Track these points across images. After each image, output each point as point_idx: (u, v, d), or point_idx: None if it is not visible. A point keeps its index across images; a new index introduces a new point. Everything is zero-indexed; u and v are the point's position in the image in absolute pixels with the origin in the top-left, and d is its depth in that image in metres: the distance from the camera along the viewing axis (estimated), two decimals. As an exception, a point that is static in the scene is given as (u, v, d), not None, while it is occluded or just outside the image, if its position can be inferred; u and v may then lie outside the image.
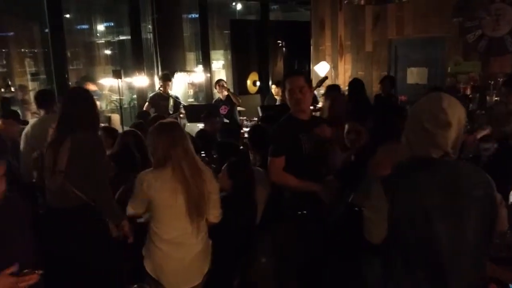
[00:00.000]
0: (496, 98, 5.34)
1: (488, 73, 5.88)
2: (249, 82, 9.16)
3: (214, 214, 2.47)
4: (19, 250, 1.77)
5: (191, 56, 8.13)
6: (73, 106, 2.60)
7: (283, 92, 2.94)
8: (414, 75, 6.97)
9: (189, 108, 6.31)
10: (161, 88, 6.25)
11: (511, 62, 5.76)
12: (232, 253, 2.76)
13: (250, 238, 2.87)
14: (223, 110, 6.46)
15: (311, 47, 8.31)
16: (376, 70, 7.38)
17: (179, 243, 2.38)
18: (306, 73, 3.04)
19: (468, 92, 5.69)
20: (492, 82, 5.69)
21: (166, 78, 6.31)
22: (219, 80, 6.80)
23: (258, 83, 9.21)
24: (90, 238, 2.53)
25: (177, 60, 7.11)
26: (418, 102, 1.73)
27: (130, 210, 2.44)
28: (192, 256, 2.41)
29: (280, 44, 9.63)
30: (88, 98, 2.70)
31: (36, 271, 1.68)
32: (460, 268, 1.67)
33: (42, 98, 3.80)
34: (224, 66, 9.15)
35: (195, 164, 2.36)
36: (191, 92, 7.35)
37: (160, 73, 6.92)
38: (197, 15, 8.16)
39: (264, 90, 8.99)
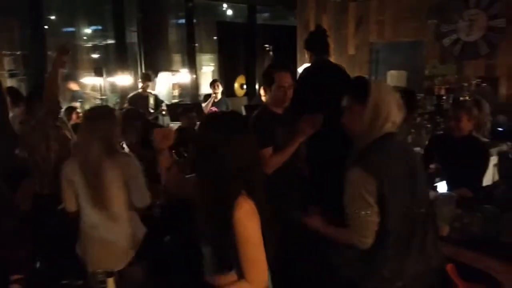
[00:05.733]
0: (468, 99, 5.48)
1: (463, 76, 6.03)
2: (236, 85, 9.29)
3: (138, 198, 2.56)
4: None
5: (177, 58, 8.26)
6: None
7: (268, 83, 2.85)
8: (394, 78, 7.10)
9: (172, 107, 6.44)
10: (141, 86, 6.38)
11: (484, 66, 5.90)
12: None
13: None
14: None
15: (297, 50, 8.45)
16: (358, 73, 7.50)
17: (96, 227, 2.53)
18: (291, 68, 3.01)
19: (443, 93, 5.83)
20: (466, 84, 5.84)
21: (146, 78, 6.43)
22: (215, 80, 6.94)
23: (245, 86, 9.34)
24: None
25: (162, 60, 7.23)
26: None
27: None
28: (112, 240, 2.54)
29: (268, 48, 9.76)
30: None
31: None
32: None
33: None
34: (214, 71, 9.28)
35: (95, 152, 2.47)
36: (176, 92, 7.49)
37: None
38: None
39: (251, 93, 9.13)
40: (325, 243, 2.14)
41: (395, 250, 1.91)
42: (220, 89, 6.74)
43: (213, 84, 6.81)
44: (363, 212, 1.88)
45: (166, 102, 6.72)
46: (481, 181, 3.28)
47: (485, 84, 5.68)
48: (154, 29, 7.17)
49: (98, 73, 5.76)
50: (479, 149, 3.26)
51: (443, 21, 6.20)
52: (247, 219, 1.57)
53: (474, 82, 5.75)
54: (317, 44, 3.66)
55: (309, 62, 3.72)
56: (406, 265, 1.92)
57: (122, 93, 7.22)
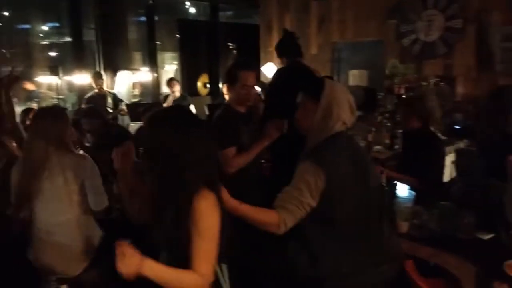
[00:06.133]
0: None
1: (422, 75, 6.16)
2: (199, 84, 9.19)
3: (94, 201, 2.48)
4: None
5: (138, 56, 8.10)
6: None
7: (231, 82, 2.82)
8: (356, 77, 7.20)
9: (132, 107, 6.30)
10: (93, 86, 6.21)
11: (442, 65, 6.05)
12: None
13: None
14: None
15: (260, 48, 8.44)
16: (321, 73, 7.56)
17: (50, 231, 2.42)
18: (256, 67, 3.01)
19: (402, 92, 5.94)
20: (425, 83, 5.97)
21: (97, 76, 6.27)
22: (172, 79, 6.85)
23: (208, 85, 9.26)
24: None
25: (121, 59, 7.07)
26: None
27: None
28: (67, 244, 2.43)
29: (231, 47, 9.72)
30: None
31: None
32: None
33: None
34: (177, 70, 9.15)
35: (40, 153, 2.38)
36: (136, 91, 7.33)
37: (102, 71, 6.88)
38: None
39: (214, 92, 9.06)
40: (284, 240, 2.14)
41: (350, 245, 1.94)
42: (177, 87, 6.66)
43: (169, 83, 6.74)
44: (300, 199, 1.89)
45: (126, 101, 6.57)
46: (436, 174, 3.34)
47: (443, 83, 5.82)
48: (113, 26, 7.00)
49: (54, 71, 5.57)
50: (428, 142, 3.33)
51: (402, 21, 6.32)
52: (210, 211, 1.55)
53: (432, 81, 5.88)
54: (289, 49, 3.70)
55: (283, 65, 3.73)
56: (363, 260, 1.94)
57: (80, 92, 7.01)
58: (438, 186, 3.27)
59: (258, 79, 2.88)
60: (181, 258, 1.57)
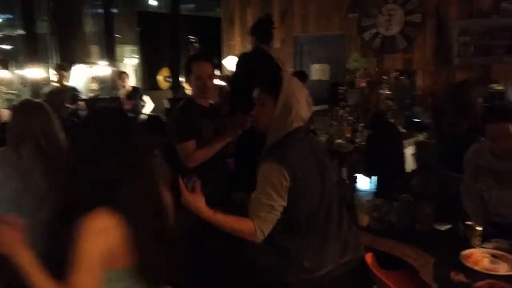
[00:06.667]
0: (387, 92, 5.66)
1: (382, 69, 6.23)
2: (160, 78, 9.00)
3: None
4: None
5: (95, 49, 7.84)
6: None
7: (187, 74, 2.80)
8: (318, 71, 7.22)
9: (91, 102, 6.08)
10: (54, 80, 5.98)
11: (401, 59, 6.13)
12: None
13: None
14: (128, 104, 6.35)
15: (222, 41, 8.35)
16: (285, 63, 7.55)
17: None
18: (212, 58, 2.95)
19: (364, 85, 5.98)
20: (386, 77, 6.03)
21: (60, 68, 6.04)
22: (122, 72, 6.68)
23: (170, 79, 9.08)
24: None
25: (77, 52, 6.82)
26: None
27: None
28: None
29: (193, 40, 9.56)
30: None
31: None
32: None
33: None
34: (139, 63, 8.94)
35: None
36: (94, 86, 7.09)
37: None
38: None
39: (176, 86, 8.89)
40: (243, 241, 2.09)
41: (311, 239, 1.92)
42: (127, 81, 6.51)
43: (120, 76, 6.58)
44: (271, 204, 1.84)
45: (84, 96, 6.34)
46: (392, 163, 3.41)
47: (403, 77, 5.89)
48: (68, 18, 6.74)
49: (4, 65, 5.30)
50: (382, 129, 3.38)
51: (363, 15, 6.36)
52: (91, 235, 1.33)
53: (393, 75, 5.95)
54: (262, 32, 3.74)
55: (252, 45, 3.79)
56: (325, 254, 1.93)
57: (33, 86, 6.71)
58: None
59: (214, 70, 2.81)
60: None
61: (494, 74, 5.23)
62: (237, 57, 4.11)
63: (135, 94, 6.53)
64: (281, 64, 3.75)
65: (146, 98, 6.63)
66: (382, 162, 3.93)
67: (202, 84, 2.70)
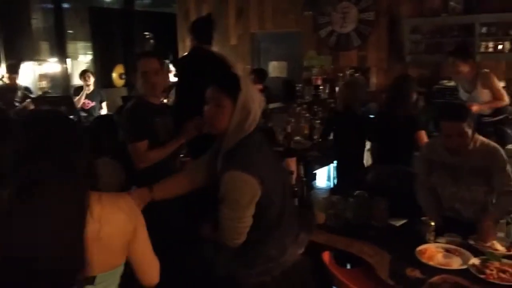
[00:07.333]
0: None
1: (338, 66, 6.30)
2: (115, 75, 8.77)
3: None
4: None
5: (45, 46, 7.53)
6: None
7: (135, 73, 2.73)
8: (276, 69, 7.22)
9: (39, 101, 5.83)
10: (3, 79, 5.70)
11: (356, 57, 6.22)
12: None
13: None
14: (86, 105, 6.17)
15: (178, 38, 8.21)
16: (241, 63, 7.51)
17: None
18: (160, 54, 2.86)
19: (320, 83, 6.04)
20: (341, 74, 6.11)
21: (12, 70, 5.78)
22: (85, 71, 6.45)
23: (124, 76, 8.87)
24: None
25: (24, 49, 6.52)
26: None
27: None
28: None
29: (148, 36, 9.35)
30: None
31: None
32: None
33: None
34: (93, 60, 8.67)
35: None
36: (43, 84, 6.80)
37: (3, 62, 6.30)
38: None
39: (131, 83, 8.67)
40: (199, 242, 2.05)
41: (276, 232, 1.92)
42: (92, 80, 6.29)
43: (83, 75, 6.33)
44: (244, 225, 1.83)
45: (32, 95, 6.08)
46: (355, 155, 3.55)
47: (358, 74, 5.98)
48: (14, 13, 6.42)
49: None
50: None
51: (319, 13, 6.40)
52: None
53: (348, 72, 6.03)
54: (201, 32, 3.65)
55: (191, 46, 3.75)
56: (287, 239, 1.95)
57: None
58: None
59: (161, 63, 2.74)
60: None
61: (444, 71, 5.41)
62: (175, 62, 4.01)
63: (96, 96, 6.34)
64: (230, 63, 3.67)
65: (103, 104, 6.43)
66: (347, 154, 4.07)
67: (149, 80, 2.62)
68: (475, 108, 4.02)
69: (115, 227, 1.32)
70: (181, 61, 3.74)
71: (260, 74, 6.01)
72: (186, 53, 3.64)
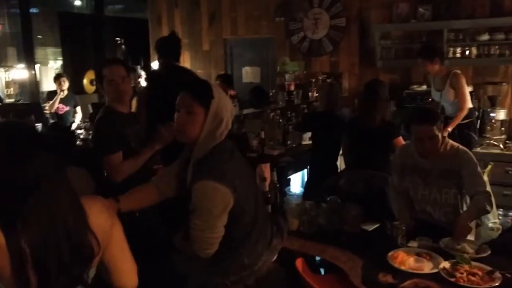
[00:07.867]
0: (316, 94, 5.77)
1: (310, 72, 6.34)
2: (85, 81, 8.62)
3: None
4: None
5: (12, 52, 7.34)
6: None
7: (101, 82, 2.64)
8: (249, 74, 7.21)
9: (6, 108, 5.68)
10: None
11: (328, 62, 6.28)
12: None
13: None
14: (60, 110, 6.05)
15: (150, 44, 8.12)
16: (214, 69, 7.48)
17: None
18: (125, 62, 2.80)
19: (292, 88, 6.06)
20: (314, 80, 6.15)
21: None
22: (60, 75, 6.32)
23: (95, 83, 8.73)
24: None
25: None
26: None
27: None
28: None
29: (120, 41, 9.24)
30: None
31: None
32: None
33: None
34: (63, 66, 8.49)
35: None
36: (11, 90, 6.62)
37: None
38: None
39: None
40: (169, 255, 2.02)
41: (248, 241, 1.92)
42: (66, 84, 6.17)
43: (57, 79, 6.20)
44: (217, 235, 1.81)
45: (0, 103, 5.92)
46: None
47: (330, 80, 6.03)
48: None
49: None
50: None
51: (290, 19, 6.43)
52: None
53: (320, 77, 6.08)
54: (167, 50, 3.66)
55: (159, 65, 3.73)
56: (259, 244, 1.95)
57: None
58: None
59: (128, 70, 2.69)
60: None
61: (414, 76, 5.50)
62: (147, 76, 4.00)
63: (71, 101, 6.23)
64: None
65: (78, 108, 6.31)
66: (323, 156, 4.14)
67: (117, 88, 2.56)
68: (450, 129, 4.11)
69: (94, 221, 1.28)
70: (152, 75, 3.73)
71: (226, 80, 5.97)
72: (156, 69, 3.65)
